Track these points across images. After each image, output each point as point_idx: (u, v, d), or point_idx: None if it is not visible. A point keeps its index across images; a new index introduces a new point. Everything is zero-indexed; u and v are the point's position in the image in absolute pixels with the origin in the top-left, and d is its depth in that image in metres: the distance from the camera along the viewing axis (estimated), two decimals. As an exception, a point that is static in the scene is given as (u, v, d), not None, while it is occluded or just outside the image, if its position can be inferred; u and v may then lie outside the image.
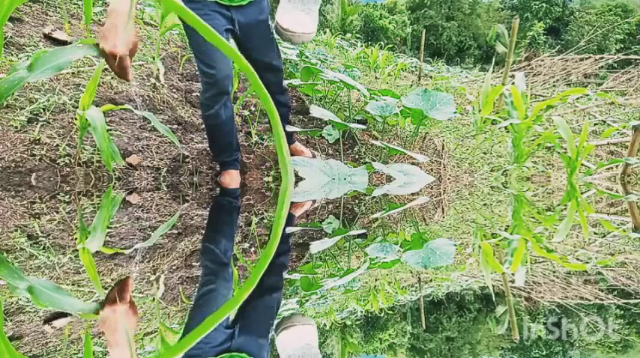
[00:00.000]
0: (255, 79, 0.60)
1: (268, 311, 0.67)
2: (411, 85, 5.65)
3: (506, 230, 1.31)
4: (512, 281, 0.82)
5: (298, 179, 2.38)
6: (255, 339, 0.58)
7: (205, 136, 2.52)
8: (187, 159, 2.34)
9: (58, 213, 1.26)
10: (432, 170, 3.15)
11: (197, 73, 3.04)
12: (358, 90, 2.89)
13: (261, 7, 1.95)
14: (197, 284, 0.74)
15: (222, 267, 0.88)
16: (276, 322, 0.63)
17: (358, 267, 0.88)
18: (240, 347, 0.54)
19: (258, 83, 0.60)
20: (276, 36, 2.03)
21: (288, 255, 0.98)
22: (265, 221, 1.31)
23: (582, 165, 3.55)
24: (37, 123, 2.06)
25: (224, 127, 2.04)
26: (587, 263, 0.95)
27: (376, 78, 5.43)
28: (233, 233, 1.19)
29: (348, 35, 9.14)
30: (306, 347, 0.57)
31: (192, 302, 0.67)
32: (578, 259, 0.98)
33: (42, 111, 2.12)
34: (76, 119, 2.09)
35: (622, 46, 19.96)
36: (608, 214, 1.67)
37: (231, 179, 2.13)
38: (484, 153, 3.79)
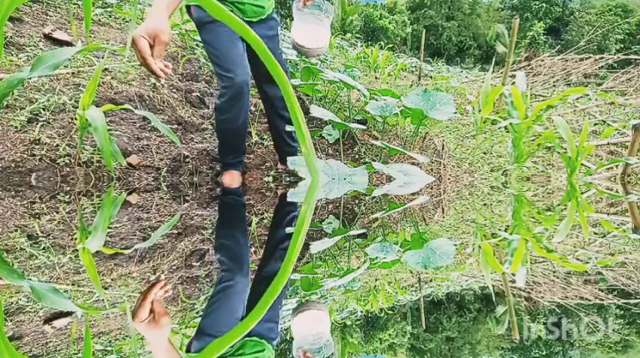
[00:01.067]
0: (266, 53, 0.60)
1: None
2: (411, 85, 5.65)
3: (506, 230, 1.31)
4: (513, 281, 0.82)
5: (298, 179, 2.38)
6: (264, 323, 0.60)
7: (205, 136, 2.53)
8: (187, 159, 2.34)
9: (58, 213, 1.26)
10: (432, 170, 3.15)
11: (197, 73, 3.04)
12: (358, 90, 2.89)
13: (270, 24, 2.05)
14: (197, 284, 0.74)
15: (238, 263, 0.89)
16: (291, 307, 0.64)
17: (358, 267, 0.88)
18: (250, 333, 0.55)
19: (270, 59, 0.61)
20: (287, 51, 2.03)
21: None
22: (265, 221, 1.31)
23: (582, 165, 3.55)
24: (37, 123, 2.06)
25: (238, 131, 2.06)
26: (587, 263, 0.95)
27: (376, 78, 5.43)
28: (246, 230, 1.20)
29: (348, 35, 9.14)
30: (316, 336, 0.58)
31: (210, 296, 0.67)
32: (578, 259, 0.98)
33: (42, 111, 2.12)
34: (76, 119, 2.09)
35: (622, 46, 19.96)
36: (608, 214, 1.67)
37: (233, 179, 2.14)
38: (484, 153, 3.79)
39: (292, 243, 1.04)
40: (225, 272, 0.83)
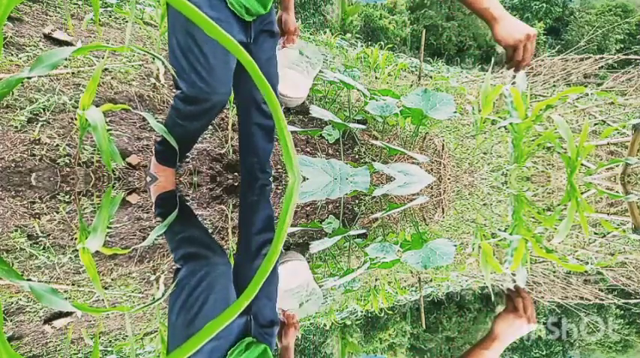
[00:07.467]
0: (257, 74, 0.60)
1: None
2: (411, 85, 5.65)
3: (506, 230, 1.31)
4: (513, 281, 0.82)
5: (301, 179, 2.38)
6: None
7: (205, 136, 2.52)
8: (187, 159, 2.34)
9: (58, 213, 1.26)
10: (432, 170, 3.15)
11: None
12: (358, 90, 2.89)
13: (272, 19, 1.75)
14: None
15: (214, 253, 0.88)
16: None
17: (358, 267, 0.88)
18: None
19: (259, 76, 0.60)
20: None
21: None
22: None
23: (582, 165, 3.55)
24: (37, 123, 2.06)
25: (193, 138, 1.83)
26: (587, 263, 0.95)
27: (376, 78, 5.43)
28: (200, 223, 1.20)
29: (348, 35, 9.14)
30: (295, 291, 0.55)
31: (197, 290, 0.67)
32: (578, 259, 0.98)
33: (42, 111, 2.12)
34: (76, 119, 2.08)
35: (622, 46, 19.96)
36: (608, 214, 1.67)
37: (167, 178, 1.86)
38: (484, 153, 3.79)
39: (279, 224, 1.04)
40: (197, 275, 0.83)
